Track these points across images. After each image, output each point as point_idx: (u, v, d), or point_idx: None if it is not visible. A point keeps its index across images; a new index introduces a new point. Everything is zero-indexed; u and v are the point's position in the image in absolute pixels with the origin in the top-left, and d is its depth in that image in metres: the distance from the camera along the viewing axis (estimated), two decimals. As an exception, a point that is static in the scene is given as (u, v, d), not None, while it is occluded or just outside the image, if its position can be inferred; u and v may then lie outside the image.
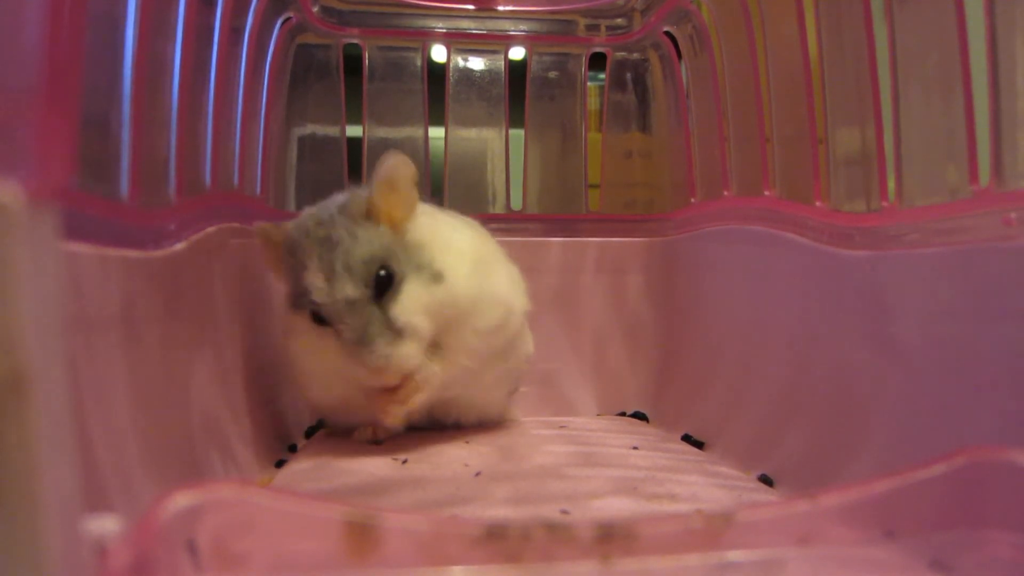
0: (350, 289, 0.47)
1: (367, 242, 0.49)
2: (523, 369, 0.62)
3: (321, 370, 0.51)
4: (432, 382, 0.51)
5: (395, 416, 0.50)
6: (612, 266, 0.74)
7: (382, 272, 0.48)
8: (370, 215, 0.50)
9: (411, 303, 0.48)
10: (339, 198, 0.53)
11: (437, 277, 0.50)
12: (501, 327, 0.54)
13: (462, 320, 0.51)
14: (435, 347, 0.51)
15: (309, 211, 0.53)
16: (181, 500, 0.21)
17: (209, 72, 0.51)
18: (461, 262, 0.52)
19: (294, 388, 0.59)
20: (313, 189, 0.74)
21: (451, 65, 0.75)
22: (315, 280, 0.48)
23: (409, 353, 0.48)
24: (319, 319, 0.49)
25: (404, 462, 0.50)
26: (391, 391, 0.49)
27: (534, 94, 0.76)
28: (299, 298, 0.50)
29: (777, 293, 0.54)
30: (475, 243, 0.56)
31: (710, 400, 0.62)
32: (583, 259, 0.74)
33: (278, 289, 0.66)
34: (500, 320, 0.54)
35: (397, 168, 0.51)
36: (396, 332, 0.48)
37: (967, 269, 0.36)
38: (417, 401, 0.50)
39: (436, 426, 0.59)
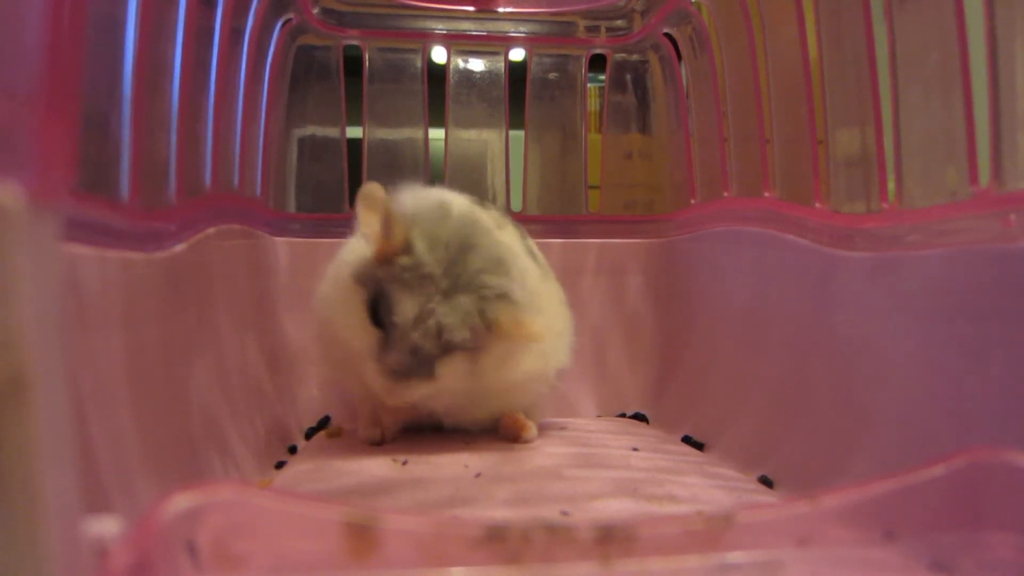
0: (428, 347, 0.48)
1: (471, 337, 0.49)
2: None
3: (340, 332, 0.52)
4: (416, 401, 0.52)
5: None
6: (612, 267, 0.74)
7: (460, 347, 0.49)
8: (489, 328, 0.50)
9: (459, 372, 0.50)
10: (475, 244, 0.51)
11: (490, 367, 0.51)
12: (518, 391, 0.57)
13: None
14: None
15: (444, 233, 0.51)
16: (181, 501, 0.21)
17: (209, 73, 0.51)
18: (518, 355, 0.53)
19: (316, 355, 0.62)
20: (313, 190, 0.74)
21: (451, 66, 0.75)
22: (406, 312, 0.48)
23: (423, 394, 0.50)
24: (376, 318, 0.49)
25: (404, 463, 0.50)
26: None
27: (534, 95, 0.76)
28: (368, 281, 0.50)
29: (777, 294, 0.54)
30: (548, 298, 0.57)
31: (710, 401, 0.61)
32: (583, 260, 0.74)
33: (280, 289, 0.66)
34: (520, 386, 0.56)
35: (531, 329, 0.50)
36: (430, 379, 0.49)
37: (967, 270, 0.36)
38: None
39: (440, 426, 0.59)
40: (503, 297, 0.50)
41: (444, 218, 0.52)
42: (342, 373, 0.57)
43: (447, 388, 0.50)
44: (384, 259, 0.50)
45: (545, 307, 0.57)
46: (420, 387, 0.50)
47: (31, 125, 0.19)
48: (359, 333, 0.50)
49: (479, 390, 0.53)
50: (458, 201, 0.55)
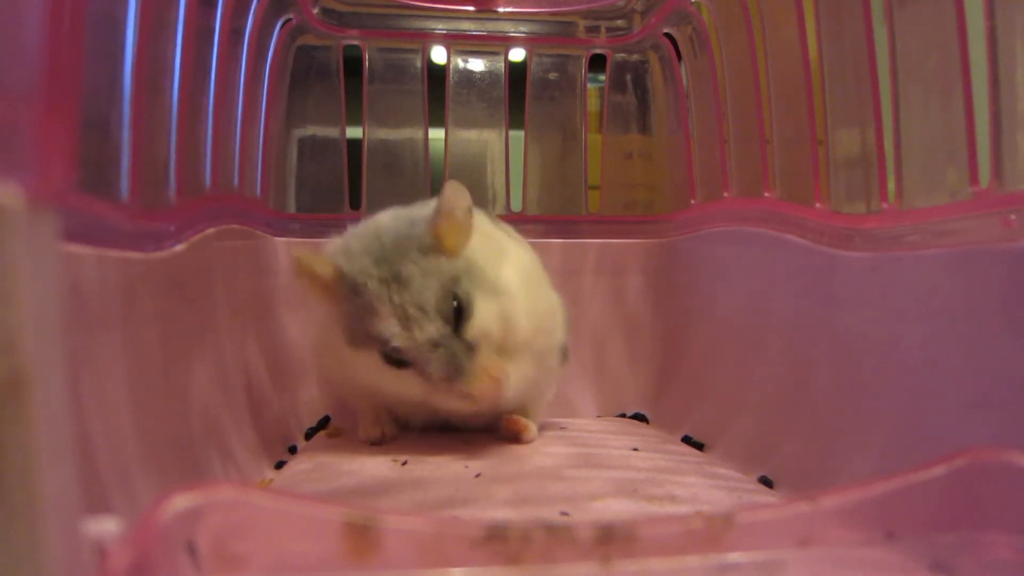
0: (432, 330, 0.47)
1: (436, 275, 0.49)
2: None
3: (384, 393, 0.52)
4: (507, 386, 0.50)
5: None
6: (612, 267, 0.74)
7: (455, 303, 0.48)
8: (433, 247, 0.50)
9: (484, 321, 0.49)
10: (387, 226, 0.52)
11: (499, 291, 0.50)
12: (549, 351, 0.56)
13: (518, 337, 0.52)
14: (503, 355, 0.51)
15: (357, 242, 0.52)
16: (181, 501, 0.21)
17: (209, 73, 0.51)
18: (514, 278, 0.53)
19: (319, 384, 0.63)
20: (313, 190, 0.74)
21: (451, 67, 0.75)
22: (390, 327, 0.48)
23: (496, 363, 0.48)
24: (396, 361, 0.49)
25: (404, 463, 0.50)
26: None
27: (534, 95, 0.76)
28: (365, 338, 0.49)
29: (777, 294, 0.54)
30: (524, 260, 0.57)
31: (710, 401, 0.61)
32: (583, 260, 0.74)
33: (280, 289, 0.66)
34: (546, 344, 0.56)
35: (456, 198, 0.51)
36: (480, 350, 0.48)
37: (967, 271, 0.36)
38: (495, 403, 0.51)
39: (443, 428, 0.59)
40: (428, 217, 0.50)
41: (353, 235, 0.53)
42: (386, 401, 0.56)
43: (496, 335, 0.49)
44: (333, 298, 0.51)
45: (524, 267, 0.57)
46: (481, 362, 0.48)
47: (31, 125, 0.19)
48: (406, 386, 0.49)
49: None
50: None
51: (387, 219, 0.54)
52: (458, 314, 0.48)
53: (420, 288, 0.48)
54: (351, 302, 0.50)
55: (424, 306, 0.48)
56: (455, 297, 0.48)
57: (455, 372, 0.47)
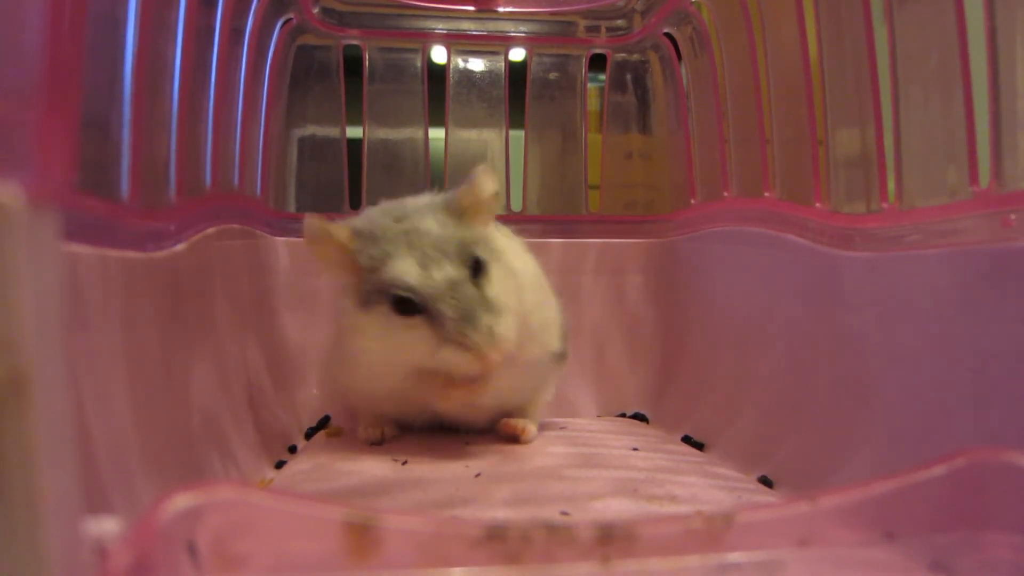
0: (451, 270, 0.47)
1: (458, 230, 0.50)
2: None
3: (391, 364, 0.50)
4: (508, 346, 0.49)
5: (455, 402, 0.51)
6: (612, 267, 0.74)
7: (474, 257, 0.49)
8: (458, 211, 0.51)
9: (502, 286, 0.49)
10: (411, 199, 0.54)
11: (513, 272, 0.51)
12: (537, 362, 0.56)
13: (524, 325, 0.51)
14: None
15: (376, 210, 0.53)
16: (181, 501, 0.21)
17: (209, 73, 0.51)
18: (525, 271, 0.54)
19: (329, 379, 0.62)
20: (313, 190, 0.74)
21: (451, 66, 0.75)
22: (406, 266, 0.47)
23: (510, 327, 0.47)
24: (406, 308, 0.47)
25: (404, 463, 0.50)
26: (465, 381, 0.49)
27: (534, 95, 0.76)
28: (377, 292, 0.48)
29: (777, 294, 0.54)
30: (528, 270, 0.58)
31: (710, 401, 0.61)
32: (583, 260, 0.74)
33: (280, 289, 0.66)
34: (536, 355, 0.55)
35: (487, 179, 0.52)
36: (495, 310, 0.47)
37: (967, 270, 0.36)
38: (481, 394, 0.50)
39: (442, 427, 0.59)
40: (457, 190, 0.52)
41: (369, 209, 0.55)
42: (400, 398, 0.54)
43: (512, 301, 0.49)
44: (345, 264, 0.50)
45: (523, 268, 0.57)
46: (503, 322, 0.47)
47: (31, 124, 0.19)
48: (413, 339, 0.48)
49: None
50: None
51: (411, 197, 0.55)
52: (477, 270, 0.49)
53: (440, 235, 0.49)
54: (365, 254, 0.49)
55: (443, 248, 0.48)
56: (472, 254, 0.49)
57: (469, 316, 0.46)
